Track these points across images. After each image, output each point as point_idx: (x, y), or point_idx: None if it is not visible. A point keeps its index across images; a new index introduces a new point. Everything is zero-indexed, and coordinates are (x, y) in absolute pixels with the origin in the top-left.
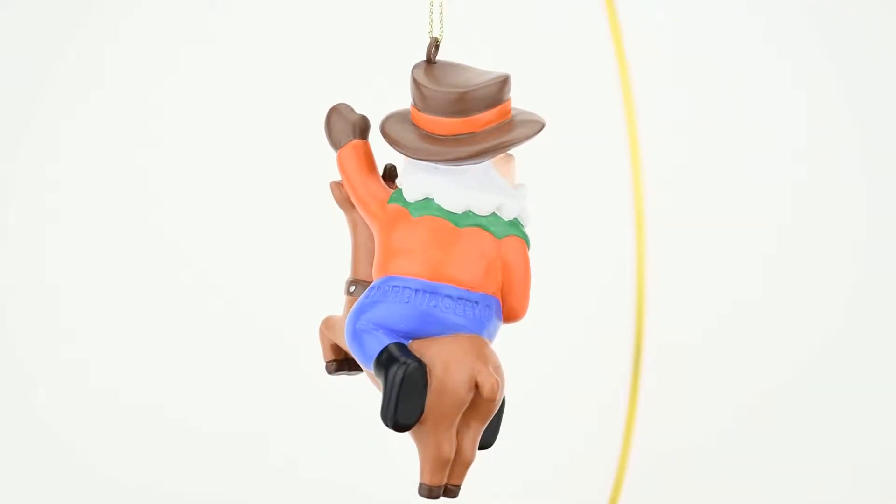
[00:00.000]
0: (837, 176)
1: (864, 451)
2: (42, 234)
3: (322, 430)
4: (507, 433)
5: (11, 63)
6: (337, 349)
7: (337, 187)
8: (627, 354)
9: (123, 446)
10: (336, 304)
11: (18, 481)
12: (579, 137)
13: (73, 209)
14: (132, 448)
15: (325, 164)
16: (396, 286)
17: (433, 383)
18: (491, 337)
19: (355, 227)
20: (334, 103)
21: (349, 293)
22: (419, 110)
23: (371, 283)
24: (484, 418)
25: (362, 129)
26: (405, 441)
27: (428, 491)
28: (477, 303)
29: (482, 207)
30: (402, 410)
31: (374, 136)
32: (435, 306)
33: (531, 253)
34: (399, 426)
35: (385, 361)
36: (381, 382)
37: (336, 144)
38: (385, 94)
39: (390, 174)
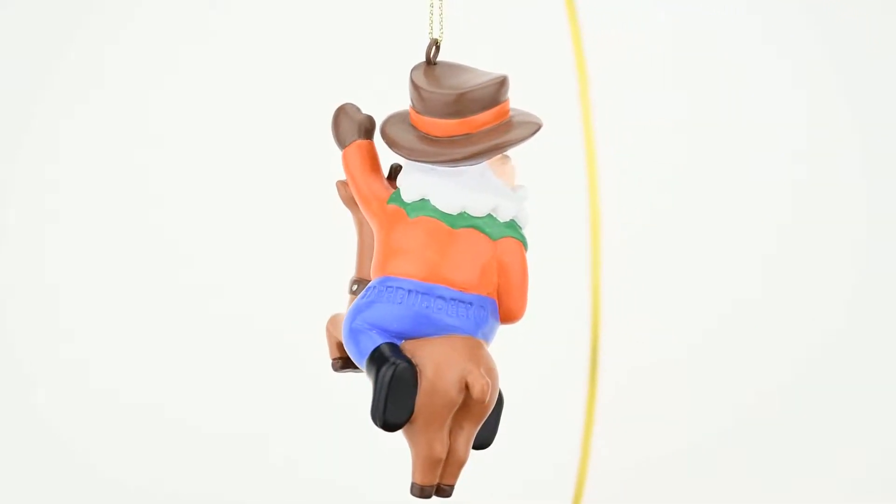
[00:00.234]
0: (837, 176)
1: (864, 451)
2: (42, 234)
3: (322, 430)
4: (506, 433)
5: (11, 63)
6: (342, 347)
7: (343, 186)
8: (627, 354)
9: (123, 446)
10: (339, 302)
11: (18, 481)
12: (578, 137)
13: (73, 209)
14: (132, 448)
15: (324, 163)
16: (391, 286)
17: (423, 384)
18: (487, 338)
19: (361, 226)
20: (341, 103)
21: (352, 292)
22: (417, 112)
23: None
24: (477, 420)
25: (367, 128)
26: (403, 441)
27: (420, 491)
28: (471, 304)
29: (477, 209)
30: (392, 410)
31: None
32: (427, 307)
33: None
34: (388, 426)
35: (375, 361)
36: (371, 382)
37: (341, 143)
38: (385, 95)
39: (396, 174)
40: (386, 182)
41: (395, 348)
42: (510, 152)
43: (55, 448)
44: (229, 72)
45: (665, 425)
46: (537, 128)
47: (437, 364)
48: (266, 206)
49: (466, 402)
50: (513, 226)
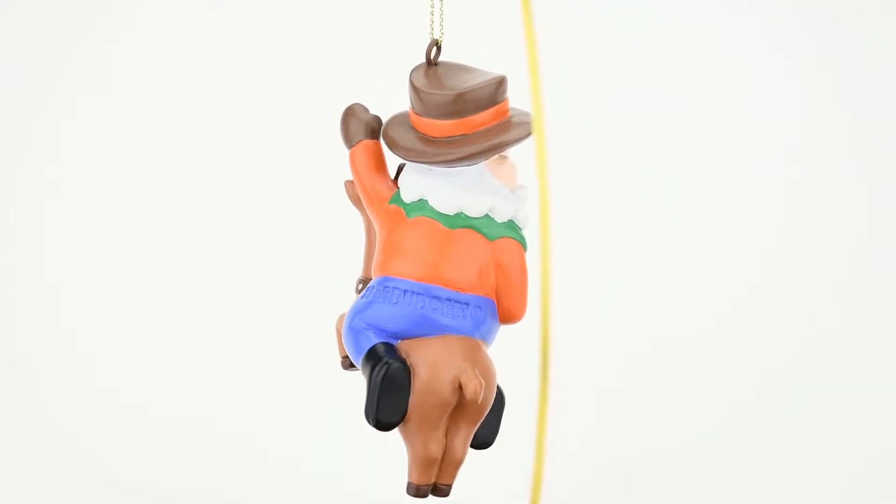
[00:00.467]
0: (837, 176)
1: (864, 451)
2: (42, 234)
3: (322, 430)
4: (506, 433)
5: (11, 63)
6: None
7: (351, 186)
8: (626, 355)
9: (123, 446)
10: (345, 302)
11: (18, 481)
12: (578, 137)
13: (73, 209)
14: (132, 448)
15: (323, 163)
16: (388, 286)
17: (416, 383)
18: (486, 338)
19: (369, 226)
20: (348, 104)
21: (358, 291)
22: (416, 113)
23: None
24: (473, 420)
25: (374, 129)
26: (401, 441)
27: (415, 490)
28: (467, 304)
29: (474, 209)
30: (384, 409)
31: None
32: (423, 307)
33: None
34: (381, 424)
35: (369, 360)
36: (366, 381)
37: (349, 143)
38: (386, 94)
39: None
40: (390, 182)
41: (390, 348)
42: (510, 152)
43: (55, 448)
44: (229, 72)
45: (665, 425)
46: None
47: (430, 364)
48: (265, 205)
49: (462, 403)
50: (511, 226)
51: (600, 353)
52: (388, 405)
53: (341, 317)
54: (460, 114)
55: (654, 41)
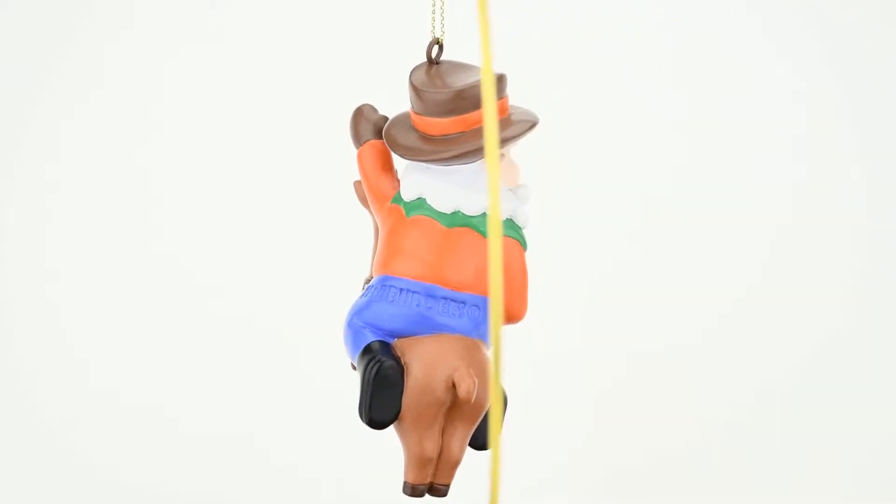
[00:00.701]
0: (837, 176)
1: (864, 451)
2: (42, 234)
3: (322, 430)
4: (506, 433)
5: (11, 63)
6: None
7: (359, 186)
8: (625, 354)
9: (123, 446)
10: (348, 303)
11: (18, 481)
12: (578, 137)
13: (73, 209)
14: (132, 448)
15: (323, 163)
16: (385, 285)
17: (410, 382)
18: (484, 338)
19: (377, 226)
20: (359, 104)
21: None
22: (415, 112)
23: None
24: (470, 420)
25: (381, 129)
26: (398, 441)
27: (411, 489)
28: (464, 303)
29: (471, 208)
30: (377, 407)
31: None
32: (418, 306)
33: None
34: (374, 422)
35: (363, 358)
36: (360, 379)
37: (357, 143)
38: (386, 94)
39: None
40: (395, 182)
41: (384, 346)
42: (511, 151)
43: (55, 448)
44: (230, 72)
45: (664, 425)
46: (531, 125)
47: (424, 362)
48: (266, 205)
49: (457, 403)
50: (510, 225)
51: (600, 353)
52: (380, 403)
53: None
54: (458, 111)
55: (653, 41)
